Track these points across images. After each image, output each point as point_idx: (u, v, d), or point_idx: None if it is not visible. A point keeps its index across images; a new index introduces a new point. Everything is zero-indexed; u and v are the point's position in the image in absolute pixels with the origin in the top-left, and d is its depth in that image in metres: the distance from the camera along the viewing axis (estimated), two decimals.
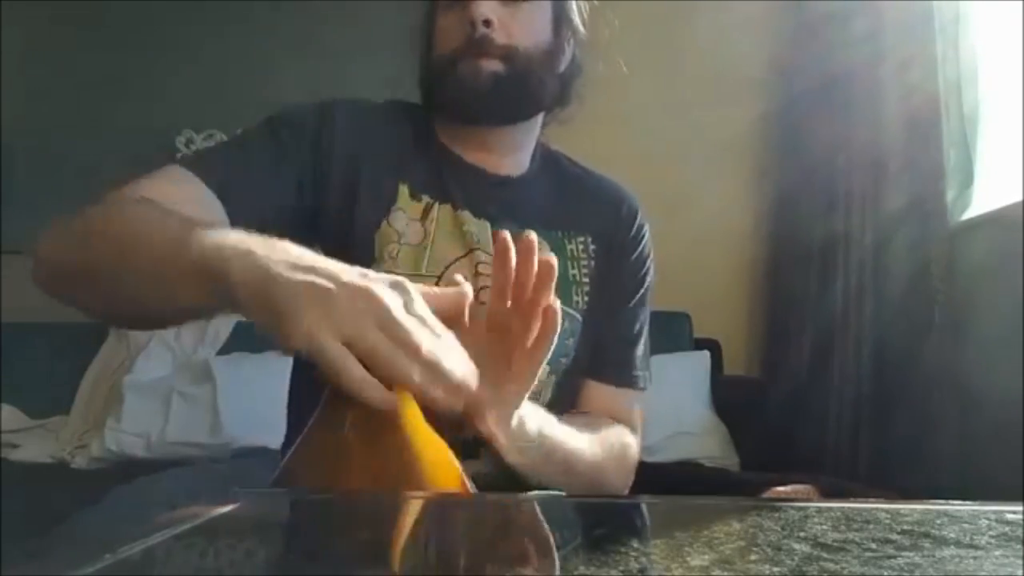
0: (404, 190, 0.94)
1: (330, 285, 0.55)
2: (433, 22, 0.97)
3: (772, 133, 2.45)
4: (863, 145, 2.12)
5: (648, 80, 2.34)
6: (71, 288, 0.78)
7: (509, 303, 0.71)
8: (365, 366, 0.53)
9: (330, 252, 0.90)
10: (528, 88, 0.95)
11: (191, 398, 2.08)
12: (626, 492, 0.99)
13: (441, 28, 0.95)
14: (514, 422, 0.76)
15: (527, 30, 0.94)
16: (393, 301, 0.55)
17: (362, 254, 0.90)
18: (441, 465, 0.62)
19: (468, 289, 0.66)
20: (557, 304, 0.70)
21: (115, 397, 2.15)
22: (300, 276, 0.55)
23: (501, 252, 0.70)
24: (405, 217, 0.93)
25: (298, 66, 2.51)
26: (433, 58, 0.96)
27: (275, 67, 2.53)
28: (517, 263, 0.70)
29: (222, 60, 2.57)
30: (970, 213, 1.92)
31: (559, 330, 0.70)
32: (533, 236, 0.70)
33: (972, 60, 1.91)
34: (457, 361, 0.57)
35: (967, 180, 1.93)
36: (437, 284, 0.90)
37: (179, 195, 0.79)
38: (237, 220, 0.78)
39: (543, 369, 0.94)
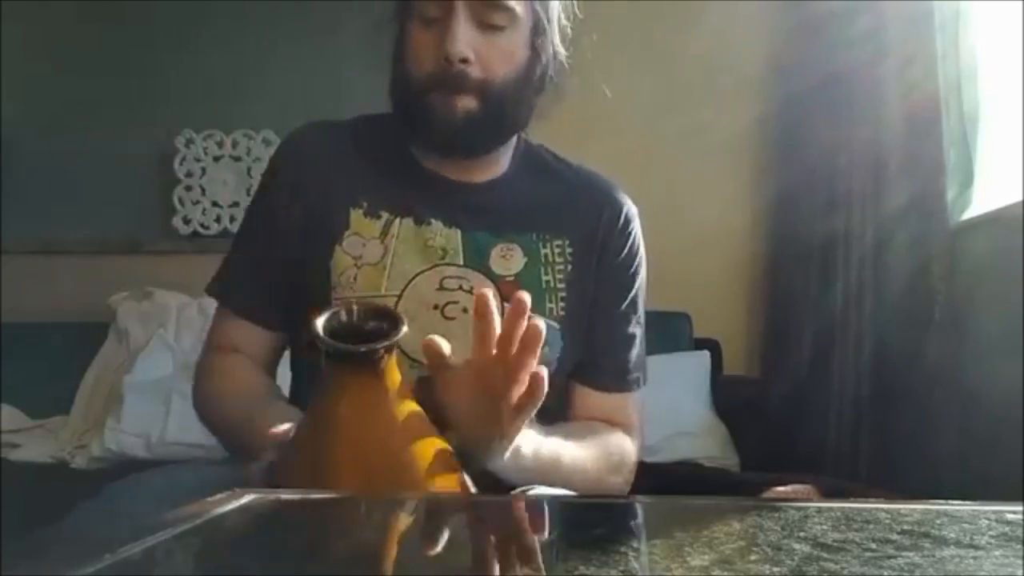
0: (356, 214, 0.94)
1: None
2: (407, 32, 0.92)
3: (771, 132, 2.44)
4: (863, 144, 2.12)
5: (646, 78, 2.34)
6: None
7: (494, 351, 0.70)
8: None
9: (295, 283, 0.95)
10: (504, 119, 0.92)
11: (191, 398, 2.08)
12: (627, 491, 0.99)
13: (416, 44, 0.91)
14: (507, 454, 0.75)
15: (504, 58, 0.90)
16: None
17: (320, 282, 0.92)
18: (436, 458, 0.62)
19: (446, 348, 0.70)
20: (544, 372, 0.69)
21: (115, 397, 2.15)
22: None
23: (481, 313, 0.70)
24: (360, 240, 0.93)
25: (298, 66, 2.51)
26: (405, 74, 0.92)
27: (275, 67, 2.53)
28: (507, 320, 0.69)
29: (222, 60, 2.57)
30: (970, 213, 1.92)
31: (544, 396, 0.70)
32: (526, 297, 0.69)
33: (972, 59, 1.91)
34: None
35: (967, 179, 1.93)
36: (398, 301, 0.90)
37: (240, 355, 0.98)
38: (280, 307, 0.97)
39: None
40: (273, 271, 0.97)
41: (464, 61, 0.87)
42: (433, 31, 0.89)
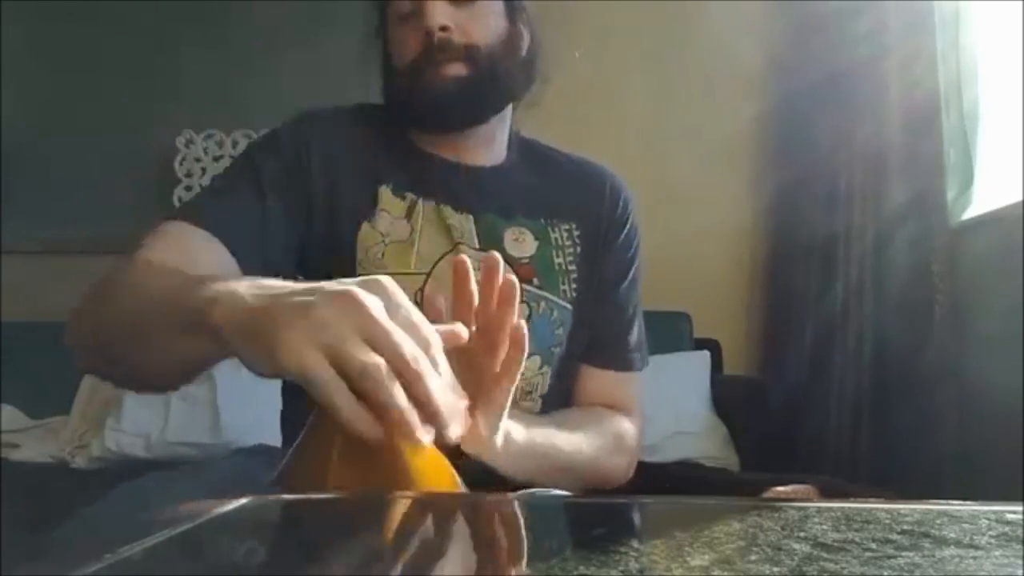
0: (385, 191, 0.95)
1: (309, 298, 0.53)
2: (385, 34, 0.97)
3: (772, 131, 2.44)
4: (863, 143, 2.12)
5: (646, 76, 2.34)
6: (94, 359, 0.79)
7: (474, 327, 0.69)
8: (352, 385, 0.51)
9: (317, 261, 0.92)
10: (496, 84, 0.95)
11: (191, 398, 2.08)
12: (630, 474, 0.99)
13: (396, 40, 0.95)
14: (499, 440, 0.75)
15: (484, 26, 0.93)
16: (373, 303, 0.52)
17: (345, 258, 0.92)
18: (433, 459, 0.62)
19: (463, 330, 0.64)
20: (524, 327, 0.69)
21: (115, 397, 2.14)
22: (280, 299, 0.54)
23: (461, 276, 0.69)
24: (389, 217, 0.94)
25: (298, 66, 2.51)
26: (393, 69, 0.96)
27: (274, 67, 2.53)
28: (481, 283, 0.69)
29: (222, 60, 2.57)
30: (970, 213, 1.92)
31: (527, 351, 0.69)
32: (497, 256, 0.70)
33: (972, 58, 1.91)
34: (441, 386, 0.54)
35: (967, 179, 1.93)
36: (427, 280, 0.92)
37: (187, 253, 0.80)
38: (242, 258, 0.83)
39: (535, 362, 0.95)
40: (275, 221, 0.89)
41: (444, 29, 0.90)
42: (411, 20, 0.93)
